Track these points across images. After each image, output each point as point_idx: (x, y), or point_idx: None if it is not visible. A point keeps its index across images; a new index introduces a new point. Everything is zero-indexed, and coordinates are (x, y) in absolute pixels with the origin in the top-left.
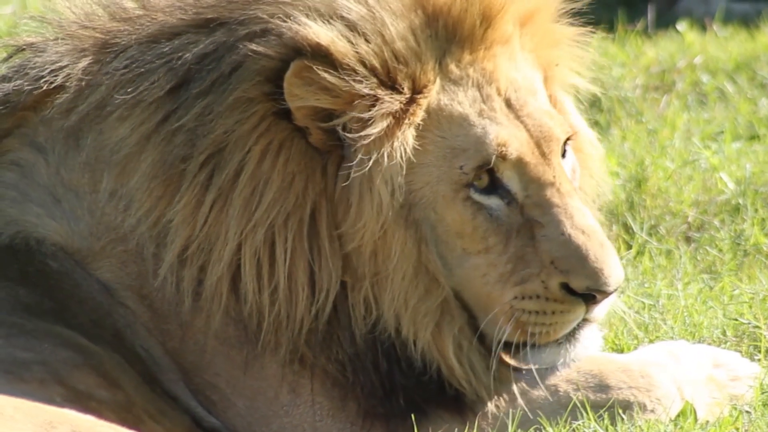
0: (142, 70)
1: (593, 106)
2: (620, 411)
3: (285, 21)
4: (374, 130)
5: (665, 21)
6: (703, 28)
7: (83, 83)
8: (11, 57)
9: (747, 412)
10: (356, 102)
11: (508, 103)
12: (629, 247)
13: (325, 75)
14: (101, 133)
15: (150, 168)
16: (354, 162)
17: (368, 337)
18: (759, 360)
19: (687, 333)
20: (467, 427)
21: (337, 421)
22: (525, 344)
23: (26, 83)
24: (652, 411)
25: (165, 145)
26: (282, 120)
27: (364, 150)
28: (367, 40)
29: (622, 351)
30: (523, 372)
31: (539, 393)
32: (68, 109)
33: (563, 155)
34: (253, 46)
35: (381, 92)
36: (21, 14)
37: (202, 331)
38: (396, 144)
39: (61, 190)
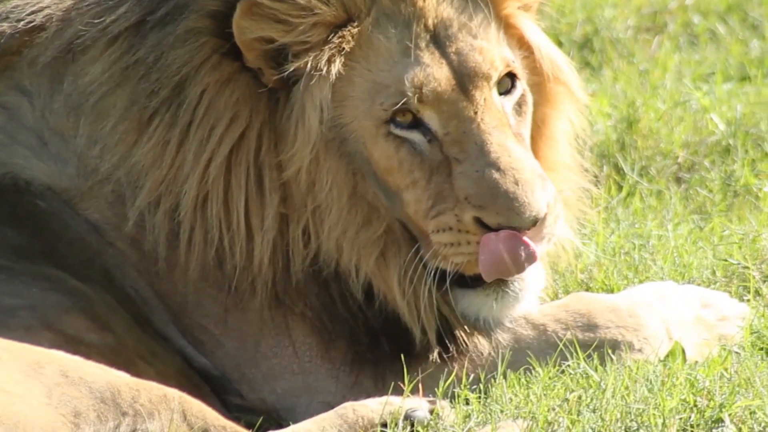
0: (112, 3)
1: (585, 47)
2: (609, 350)
3: None
4: (308, 56)
5: None
6: None
7: (60, 21)
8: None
9: (736, 352)
10: (297, 28)
11: (436, 40)
12: (620, 187)
13: (272, 4)
14: (77, 77)
15: (120, 111)
16: (294, 93)
17: (324, 278)
18: (748, 300)
19: (677, 273)
20: (456, 368)
21: (326, 362)
22: (455, 279)
23: (8, 27)
24: (640, 350)
25: (132, 84)
26: (229, 57)
27: (302, 79)
28: None
29: (612, 291)
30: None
31: (528, 332)
32: (46, 47)
33: (508, 90)
34: None
35: (314, 19)
36: None
37: (185, 273)
38: (325, 70)
39: (47, 133)
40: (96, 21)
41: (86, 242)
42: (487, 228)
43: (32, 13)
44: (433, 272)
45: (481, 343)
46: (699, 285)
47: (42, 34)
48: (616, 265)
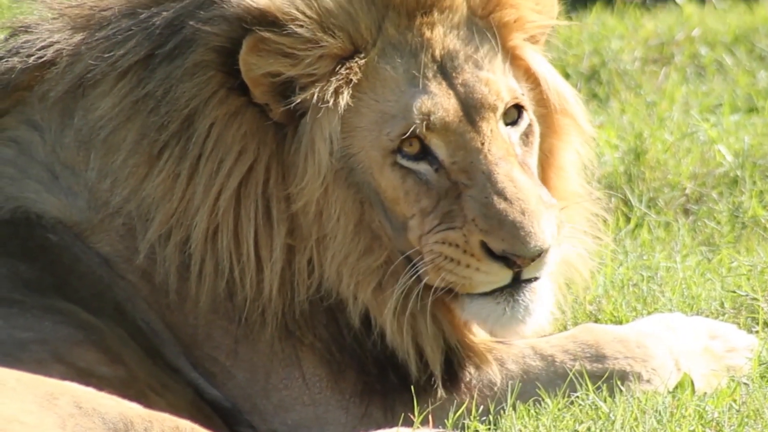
0: (121, 37)
1: (592, 78)
2: (617, 381)
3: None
4: (315, 88)
5: None
6: (702, 0)
7: (70, 56)
8: (9, 39)
9: (745, 383)
10: (304, 61)
11: (443, 70)
12: (628, 219)
13: (278, 38)
14: (87, 111)
15: (130, 144)
16: (302, 126)
17: (332, 309)
18: (756, 332)
19: (685, 305)
20: (467, 400)
21: (336, 393)
22: (454, 293)
23: (18, 62)
24: (648, 381)
25: (142, 118)
26: (236, 92)
27: (310, 112)
28: (302, 5)
29: (620, 323)
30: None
31: (536, 363)
32: (56, 82)
33: (515, 121)
34: (200, 25)
35: (320, 51)
36: None
37: (196, 305)
38: (333, 102)
39: (58, 167)
40: (106, 55)
41: (97, 275)
42: (491, 255)
43: (42, 48)
44: (429, 304)
45: (492, 373)
46: (707, 316)
47: (52, 70)
48: (625, 296)
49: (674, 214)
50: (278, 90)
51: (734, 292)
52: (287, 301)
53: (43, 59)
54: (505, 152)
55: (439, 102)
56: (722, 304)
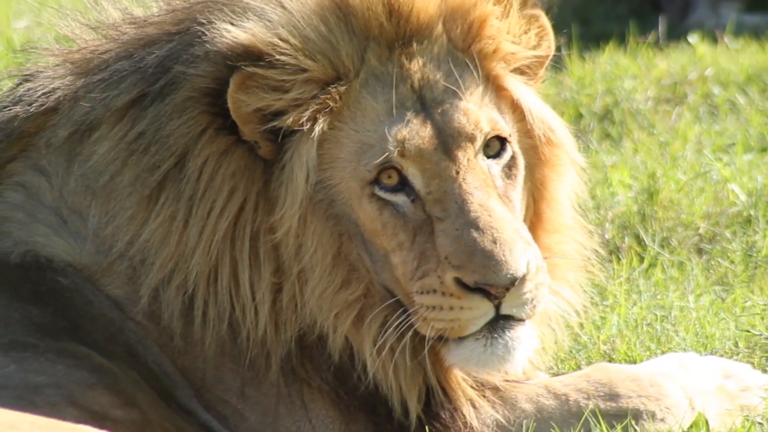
0: (116, 78)
1: (605, 118)
2: (631, 421)
3: (204, 36)
4: (295, 113)
5: (676, 33)
6: (715, 40)
7: (70, 101)
8: (15, 88)
9: (759, 423)
10: (291, 90)
11: (422, 101)
12: (641, 259)
13: (264, 72)
14: (87, 158)
15: (127, 188)
16: (286, 158)
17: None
18: None
19: (699, 344)
20: None
21: None
22: (444, 339)
23: (21, 110)
24: (662, 420)
25: (136, 160)
26: (225, 131)
27: (292, 142)
28: (284, 34)
29: (634, 362)
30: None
31: (550, 402)
32: (58, 128)
33: (497, 154)
34: (185, 67)
35: (304, 76)
36: (34, 28)
37: (203, 348)
38: (309, 128)
39: (65, 211)
40: (100, 97)
41: (108, 318)
42: (467, 289)
43: (44, 94)
44: (410, 339)
45: (502, 413)
46: (721, 356)
47: (55, 117)
48: (639, 336)
49: (688, 253)
50: (268, 129)
51: (748, 331)
52: (289, 342)
53: (45, 106)
54: (482, 183)
55: (415, 129)
56: (736, 344)
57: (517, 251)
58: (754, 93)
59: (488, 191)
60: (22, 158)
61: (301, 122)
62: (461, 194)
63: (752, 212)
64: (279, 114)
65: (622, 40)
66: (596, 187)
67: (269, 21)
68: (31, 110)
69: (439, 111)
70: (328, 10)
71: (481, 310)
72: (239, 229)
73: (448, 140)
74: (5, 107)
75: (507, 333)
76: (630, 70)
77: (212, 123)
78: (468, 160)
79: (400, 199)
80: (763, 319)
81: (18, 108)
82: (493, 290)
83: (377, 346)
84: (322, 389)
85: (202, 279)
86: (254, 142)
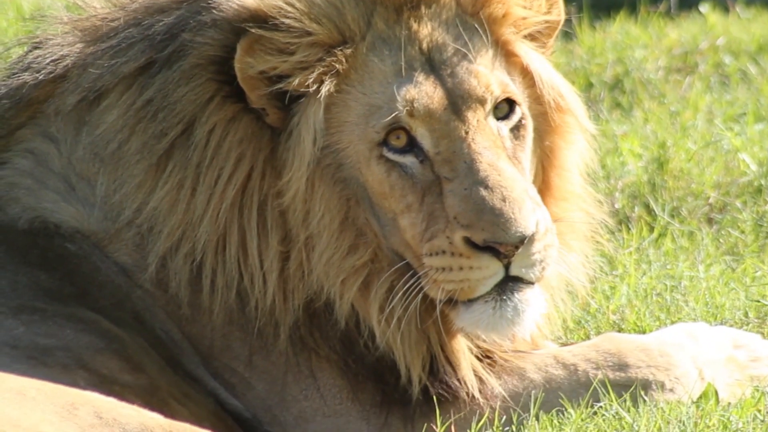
0: (124, 45)
1: (615, 87)
2: (641, 391)
3: (211, 3)
4: (301, 75)
5: (688, 2)
6: (726, 9)
7: (78, 68)
8: (26, 54)
9: None
10: (296, 53)
11: (431, 63)
12: (651, 229)
13: (271, 35)
14: (95, 126)
15: (135, 156)
16: (293, 123)
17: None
18: None
19: (709, 314)
20: (487, 411)
21: (356, 404)
22: (453, 301)
23: (29, 77)
24: (672, 390)
25: (143, 127)
26: (232, 99)
27: (299, 106)
28: None
29: (643, 332)
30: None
31: (559, 372)
32: (67, 96)
33: (506, 115)
34: (192, 35)
35: (310, 39)
36: None
37: (211, 316)
38: (316, 89)
39: (74, 178)
40: (108, 63)
41: (116, 285)
42: (476, 248)
43: (53, 62)
44: (418, 304)
45: (514, 383)
46: (731, 326)
47: (63, 84)
48: (648, 306)
49: (698, 223)
50: (274, 94)
51: (758, 301)
52: (297, 311)
53: (53, 74)
54: (492, 143)
55: (424, 90)
56: (746, 314)
57: (527, 210)
58: (765, 62)
59: (497, 152)
60: (30, 125)
61: (307, 84)
62: (470, 154)
63: (763, 182)
64: (285, 78)
65: (633, 10)
66: (606, 157)
67: None
68: (40, 77)
69: (449, 72)
70: None
71: (491, 270)
72: (247, 197)
73: (458, 101)
74: (14, 74)
75: (516, 295)
76: (641, 39)
77: (219, 90)
78: (478, 120)
79: (408, 160)
80: None
81: (27, 75)
82: (503, 248)
83: (384, 313)
84: (330, 358)
85: (210, 247)
86: (261, 109)
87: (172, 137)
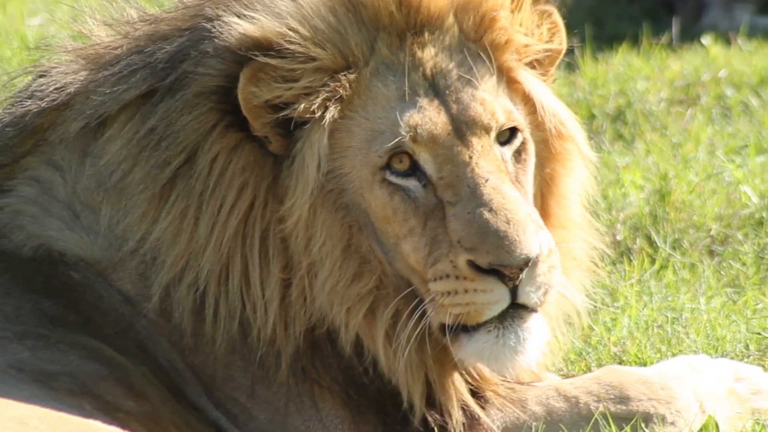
0: (126, 72)
1: (618, 119)
2: (641, 424)
3: (212, 32)
4: (305, 101)
5: (690, 35)
6: (728, 41)
7: (81, 96)
8: (31, 83)
9: None
10: (301, 79)
11: (435, 88)
12: (653, 260)
13: (275, 62)
14: (98, 156)
15: (138, 185)
16: (296, 149)
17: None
18: None
19: (710, 347)
20: None
21: None
22: (455, 328)
23: (33, 105)
24: (673, 423)
25: (146, 156)
26: (234, 128)
27: (302, 131)
28: (293, 24)
29: (644, 364)
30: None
31: (560, 405)
32: (70, 124)
33: (508, 140)
34: (193, 66)
35: (314, 64)
36: (49, 25)
37: (213, 346)
38: (318, 114)
39: (78, 206)
40: (109, 91)
41: (119, 313)
42: (481, 271)
43: (56, 90)
44: (423, 330)
45: (515, 414)
46: (732, 358)
47: (67, 111)
48: (650, 338)
49: (699, 255)
50: (277, 121)
51: (759, 334)
52: (299, 341)
53: (57, 101)
54: (496, 168)
55: (428, 115)
56: (747, 346)
57: (530, 232)
58: (767, 95)
59: (501, 176)
60: (35, 153)
61: (311, 110)
62: (474, 178)
63: (764, 214)
64: (289, 105)
65: (635, 42)
66: (608, 188)
67: (278, 13)
68: (44, 105)
69: (454, 98)
70: (337, 1)
71: (496, 294)
72: (249, 226)
73: (462, 127)
74: (18, 102)
75: (518, 323)
76: (643, 71)
77: (222, 119)
78: (482, 146)
79: (411, 183)
80: None
81: (30, 103)
82: (507, 271)
83: (391, 341)
84: (332, 389)
85: (213, 277)
86: (264, 137)
87: (174, 166)
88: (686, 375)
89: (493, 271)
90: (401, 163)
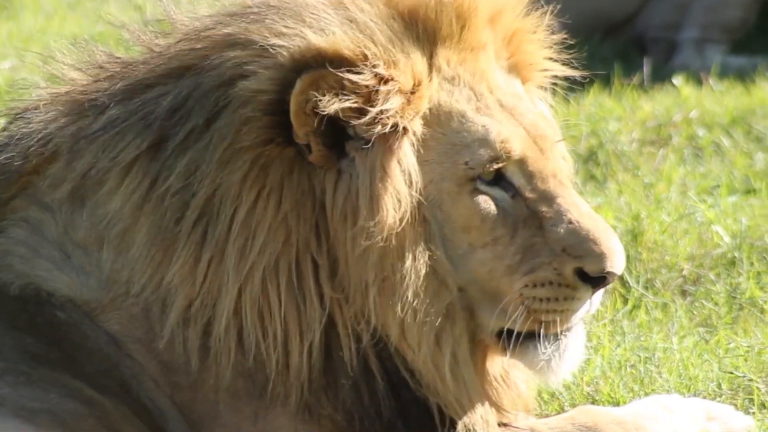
0: (118, 129)
1: (590, 159)
2: None
3: (261, 54)
4: (390, 120)
5: (661, 75)
6: (699, 82)
7: (70, 152)
8: (9, 125)
9: None
10: (372, 96)
11: (500, 103)
12: (625, 300)
13: (342, 75)
14: (96, 207)
15: (145, 237)
16: (363, 163)
17: (366, 372)
18: (753, 413)
19: (682, 386)
20: None
21: None
22: (530, 335)
23: (18, 155)
24: None
25: (157, 212)
26: (274, 163)
27: (377, 144)
28: (359, 37)
29: (617, 404)
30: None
31: None
32: (62, 179)
33: None
34: (242, 87)
35: (388, 83)
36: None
37: (213, 387)
38: (408, 132)
39: (70, 246)
40: (106, 151)
41: (105, 353)
42: (586, 279)
43: (40, 140)
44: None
45: None
46: (705, 398)
47: (55, 164)
48: (622, 377)
49: (672, 295)
50: (324, 131)
51: (731, 373)
52: (313, 373)
53: (43, 155)
54: (569, 181)
55: (513, 130)
56: (719, 386)
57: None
58: (738, 135)
59: (572, 190)
60: (22, 196)
61: (406, 134)
62: (564, 190)
63: (736, 254)
64: (348, 118)
65: (606, 82)
66: None
67: (335, 24)
68: (29, 153)
69: (518, 113)
70: (390, 14)
71: (584, 300)
72: (281, 264)
73: (538, 140)
74: (2, 145)
75: (582, 330)
76: (615, 111)
77: (263, 149)
78: (557, 158)
79: (497, 193)
80: (746, 360)
81: (13, 152)
82: (611, 278)
83: (457, 359)
84: (334, 418)
85: (230, 318)
86: (305, 145)
87: (192, 219)
88: (659, 415)
89: (591, 279)
90: (489, 173)
